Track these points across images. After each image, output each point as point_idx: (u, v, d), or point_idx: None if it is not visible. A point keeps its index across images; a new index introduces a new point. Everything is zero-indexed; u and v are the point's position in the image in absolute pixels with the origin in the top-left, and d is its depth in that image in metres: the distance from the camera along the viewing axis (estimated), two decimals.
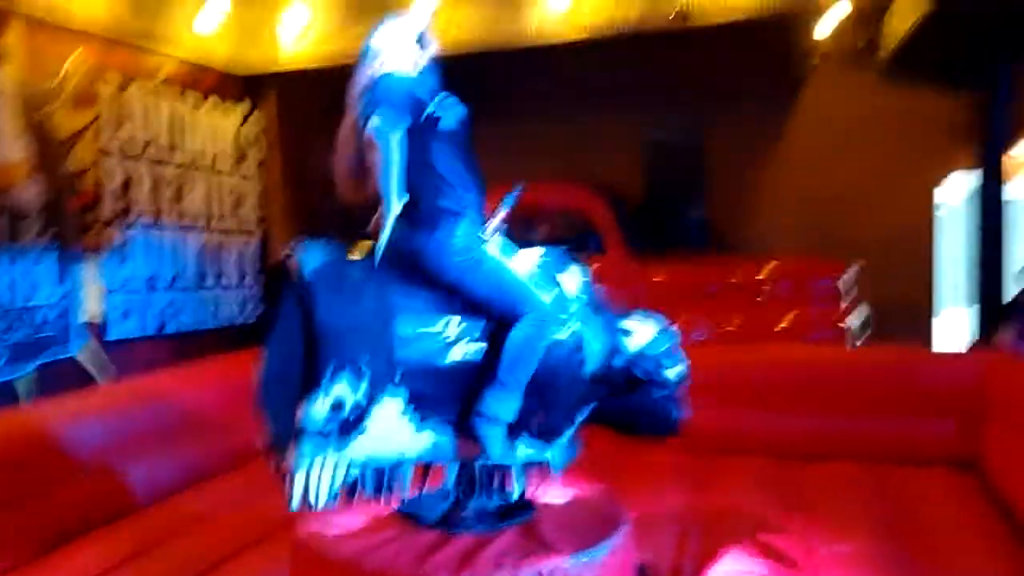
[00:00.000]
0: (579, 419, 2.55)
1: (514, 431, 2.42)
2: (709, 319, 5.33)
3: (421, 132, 2.32)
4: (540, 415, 2.45)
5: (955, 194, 6.91)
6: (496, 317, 2.35)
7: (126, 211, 4.63)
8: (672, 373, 2.59)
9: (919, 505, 3.33)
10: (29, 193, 3.94)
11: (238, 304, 5.64)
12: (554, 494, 2.75)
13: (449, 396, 2.36)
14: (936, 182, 6.85)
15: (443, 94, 2.41)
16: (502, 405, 2.35)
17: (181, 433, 3.95)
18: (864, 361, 4.43)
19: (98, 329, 4.38)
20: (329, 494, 2.25)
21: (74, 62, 4.18)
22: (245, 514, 3.35)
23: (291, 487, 2.22)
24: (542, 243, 6.32)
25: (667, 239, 6.63)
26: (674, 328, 2.65)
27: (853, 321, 5.15)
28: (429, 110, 2.34)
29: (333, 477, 2.25)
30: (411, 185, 2.32)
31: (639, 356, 2.55)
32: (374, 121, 2.26)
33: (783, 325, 5.15)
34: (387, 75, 2.38)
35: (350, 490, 2.34)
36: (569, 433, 2.53)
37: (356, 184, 2.47)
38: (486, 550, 2.34)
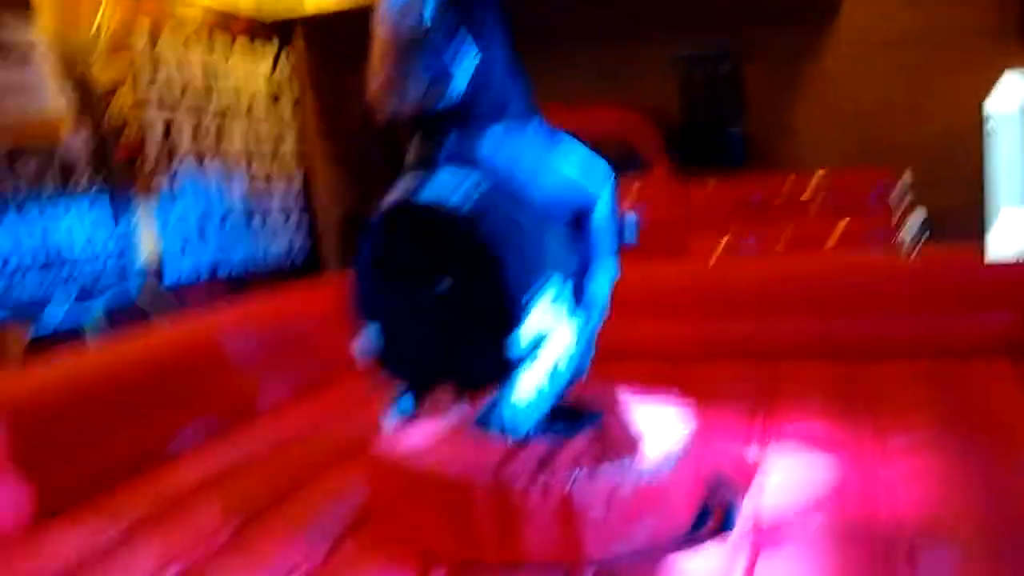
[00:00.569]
0: None
1: None
2: (758, 234, 5.28)
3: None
4: None
5: (1009, 98, 6.69)
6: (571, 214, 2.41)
7: (170, 157, 4.67)
8: None
9: (981, 394, 3.34)
10: (76, 144, 4.00)
11: (285, 245, 5.72)
12: (624, 401, 2.79)
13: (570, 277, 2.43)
14: (987, 87, 6.62)
15: None
16: (605, 267, 2.53)
17: (253, 362, 4.08)
18: (920, 264, 4.39)
19: (155, 272, 4.48)
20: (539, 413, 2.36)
21: (106, 14, 4.18)
22: (323, 436, 3.47)
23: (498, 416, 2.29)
24: None
25: (709, 157, 6.53)
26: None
27: (908, 229, 5.07)
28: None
29: (539, 394, 2.34)
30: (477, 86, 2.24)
31: None
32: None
33: (834, 237, 5.09)
34: None
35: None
36: None
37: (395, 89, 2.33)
38: (560, 455, 2.40)
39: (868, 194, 5.30)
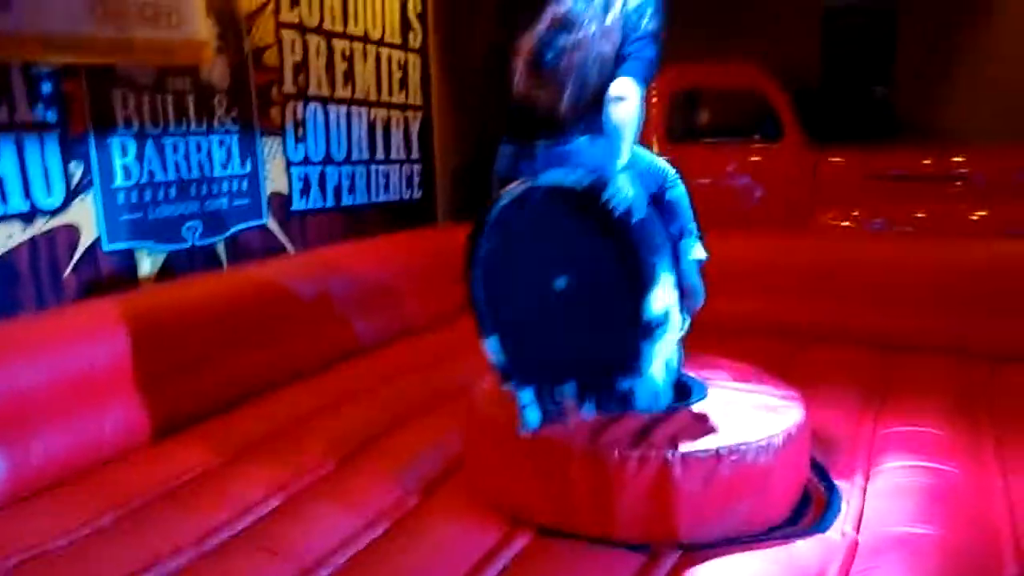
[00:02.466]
0: None
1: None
2: (893, 210, 4.95)
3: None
4: None
5: None
6: (655, 189, 2.46)
7: (304, 87, 4.77)
8: None
9: None
10: (216, 71, 4.12)
11: (406, 179, 5.80)
12: (727, 380, 2.72)
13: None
14: None
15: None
16: (692, 245, 2.54)
17: (357, 301, 4.20)
18: None
19: (283, 200, 4.63)
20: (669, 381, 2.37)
21: None
22: (426, 377, 3.56)
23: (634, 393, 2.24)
24: (710, 128, 6.06)
25: (850, 125, 6.14)
26: None
27: None
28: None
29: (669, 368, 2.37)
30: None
31: None
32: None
33: (978, 217, 4.72)
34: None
35: None
36: None
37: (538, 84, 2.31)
38: (660, 428, 2.36)
39: (1018, 175, 4.87)
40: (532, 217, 2.23)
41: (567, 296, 2.22)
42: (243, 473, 2.69)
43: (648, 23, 2.29)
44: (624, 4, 2.28)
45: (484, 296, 2.31)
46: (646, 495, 2.24)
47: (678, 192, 2.53)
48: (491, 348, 2.32)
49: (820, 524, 2.34)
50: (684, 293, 2.46)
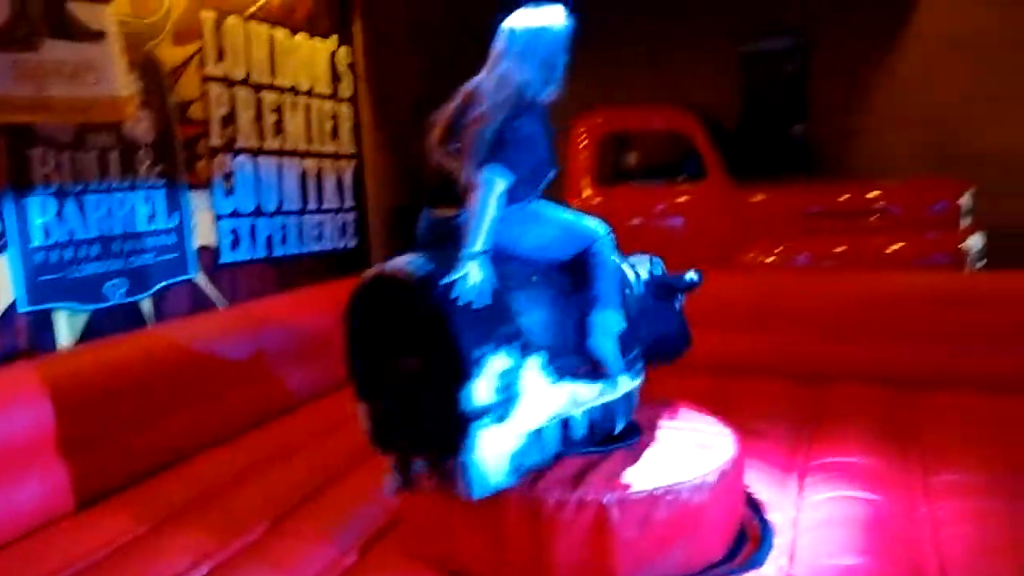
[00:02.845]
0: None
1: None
2: (815, 245, 5.13)
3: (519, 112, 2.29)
4: (631, 347, 2.57)
5: None
6: (573, 253, 2.44)
7: (232, 139, 4.73)
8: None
9: None
10: (140, 126, 4.07)
11: (339, 228, 5.77)
12: (662, 419, 2.75)
13: (563, 342, 2.41)
14: None
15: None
16: (607, 317, 2.45)
17: (293, 354, 4.13)
18: (983, 287, 4.21)
19: (212, 254, 4.55)
20: (506, 471, 2.23)
21: None
22: (356, 433, 3.49)
23: (462, 477, 2.19)
24: (638, 170, 6.21)
25: (769, 162, 6.36)
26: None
27: (972, 245, 4.85)
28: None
29: (510, 451, 2.24)
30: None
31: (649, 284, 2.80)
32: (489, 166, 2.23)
33: (894, 250, 4.91)
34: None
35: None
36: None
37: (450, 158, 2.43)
38: (597, 471, 2.37)
39: (930, 208, 5.09)
40: (380, 302, 2.32)
41: (415, 376, 2.29)
42: (170, 541, 2.60)
43: (538, 95, 2.34)
44: (515, 78, 2.30)
45: (359, 367, 2.41)
46: (583, 540, 2.24)
47: (601, 258, 2.45)
48: (361, 415, 2.44)
49: (755, 560, 2.37)
50: (594, 364, 2.44)
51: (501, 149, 2.24)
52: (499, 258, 2.28)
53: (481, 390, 2.15)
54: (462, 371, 2.13)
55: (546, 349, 2.33)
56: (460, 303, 2.13)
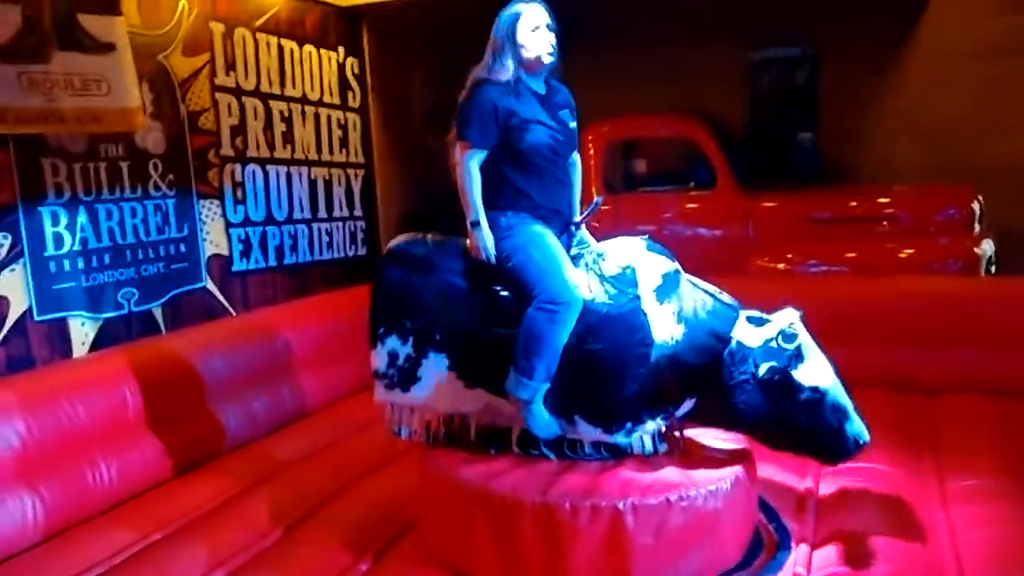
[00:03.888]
0: (667, 413, 2.47)
1: (567, 412, 2.45)
2: (825, 251, 5.11)
3: (499, 148, 2.46)
4: (592, 398, 2.43)
5: None
6: (521, 291, 2.43)
7: (242, 149, 4.76)
8: (803, 378, 2.28)
9: None
10: (151, 136, 4.09)
11: (349, 236, 5.78)
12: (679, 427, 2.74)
13: (488, 366, 2.47)
14: None
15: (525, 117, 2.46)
16: (519, 386, 2.39)
17: (304, 361, 4.13)
18: (995, 292, 4.19)
19: (223, 262, 4.57)
20: (406, 428, 2.66)
21: (183, 9, 4.28)
22: (369, 439, 3.49)
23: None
24: (647, 177, 6.20)
25: (778, 169, 6.35)
26: (795, 329, 2.34)
27: (985, 251, 4.83)
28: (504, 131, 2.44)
29: (407, 414, 2.65)
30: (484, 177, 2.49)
31: (759, 351, 2.29)
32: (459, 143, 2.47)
33: (906, 256, 4.89)
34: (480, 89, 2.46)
35: (427, 428, 2.66)
36: (653, 425, 2.47)
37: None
38: (611, 477, 2.37)
39: (942, 214, 5.08)
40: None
41: None
42: (184, 548, 2.59)
43: (490, 74, 2.47)
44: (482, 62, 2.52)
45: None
46: (599, 547, 2.23)
47: (549, 318, 2.35)
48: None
49: (771, 566, 2.36)
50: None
51: (463, 126, 2.46)
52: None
53: (375, 358, 2.61)
54: (369, 337, 2.61)
55: (449, 354, 2.53)
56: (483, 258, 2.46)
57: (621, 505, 2.21)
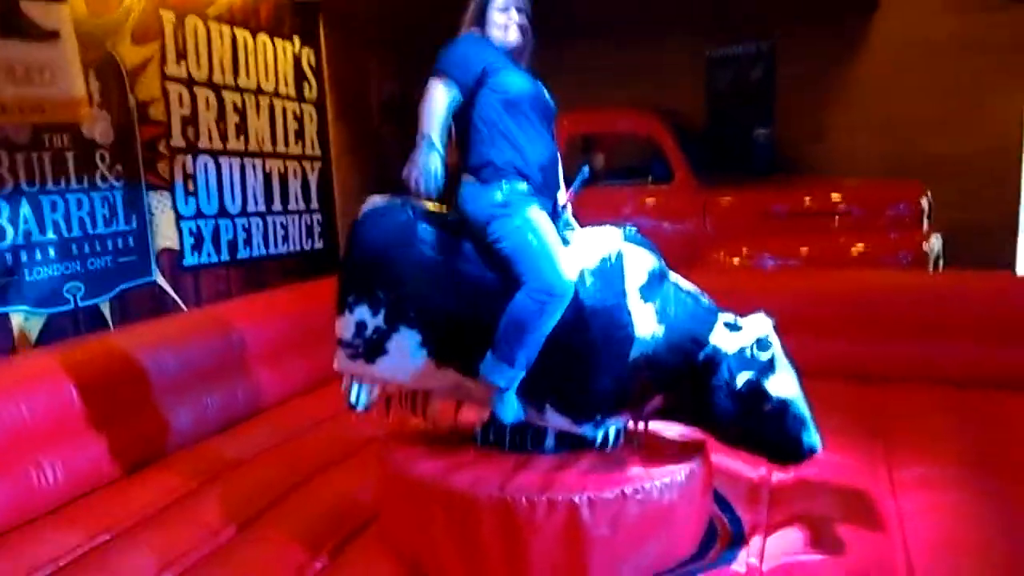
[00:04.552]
0: (636, 408, 2.47)
1: (537, 398, 2.40)
2: (780, 245, 5.19)
3: (477, 92, 2.38)
4: (565, 388, 2.38)
5: None
6: (511, 274, 2.32)
7: (194, 140, 4.66)
8: (772, 387, 2.32)
9: (1004, 430, 3.24)
10: (98, 126, 3.98)
11: (305, 229, 5.70)
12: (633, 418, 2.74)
13: (463, 345, 2.38)
14: None
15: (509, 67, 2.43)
16: (496, 372, 2.34)
17: (258, 357, 4.06)
18: (943, 286, 4.29)
19: (174, 256, 4.47)
20: (365, 400, 2.56)
21: None
22: (326, 435, 3.45)
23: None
24: (605, 172, 6.21)
25: (734, 163, 6.43)
26: (772, 337, 2.37)
27: (933, 246, 4.95)
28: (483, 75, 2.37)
29: (369, 388, 2.56)
30: (468, 139, 2.41)
31: (733, 357, 2.32)
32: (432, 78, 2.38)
33: (858, 250, 4.99)
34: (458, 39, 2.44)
35: (387, 402, 2.62)
36: (616, 419, 2.47)
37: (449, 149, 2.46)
38: (568, 471, 2.37)
39: (892, 209, 5.19)
40: None
41: None
42: (133, 548, 2.53)
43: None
44: None
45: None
46: (557, 540, 2.23)
47: (538, 310, 2.29)
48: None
49: (726, 557, 2.38)
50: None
51: (440, 60, 2.39)
52: (470, 231, 2.41)
53: (341, 325, 2.47)
54: (337, 302, 2.48)
55: (421, 331, 2.41)
56: (417, 184, 2.28)
57: (577, 499, 2.21)
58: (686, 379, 2.35)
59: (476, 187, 2.40)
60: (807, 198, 5.38)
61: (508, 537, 2.24)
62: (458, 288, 2.38)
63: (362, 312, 2.42)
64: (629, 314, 2.35)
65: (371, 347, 2.44)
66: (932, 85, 6.37)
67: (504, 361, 2.31)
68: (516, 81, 2.41)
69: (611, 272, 2.38)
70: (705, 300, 2.49)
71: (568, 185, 2.66)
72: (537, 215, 2.37)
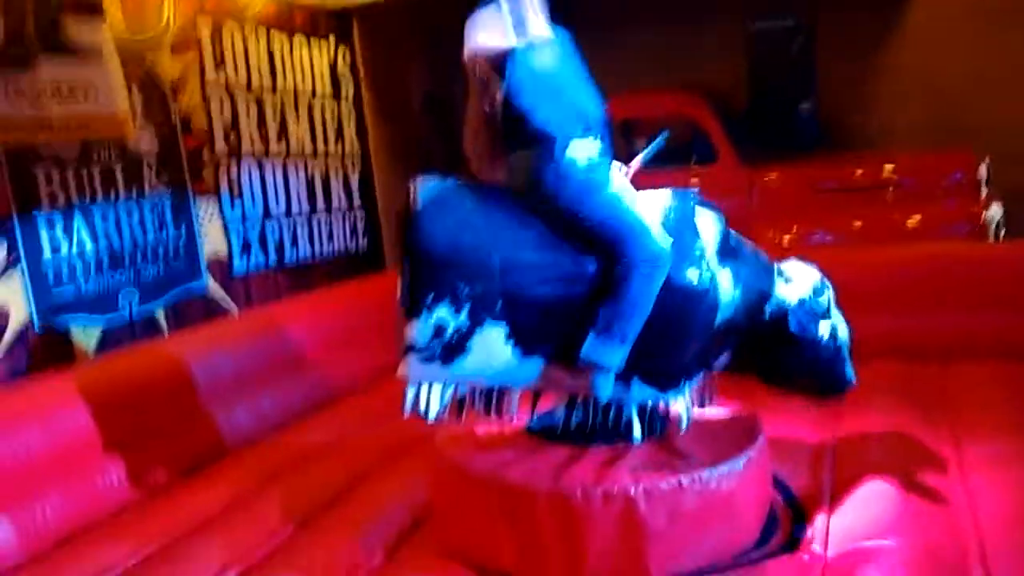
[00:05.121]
0: (709, 367, 2.47)
1: (625, 373, 2.31)
2: (832, 221, 5.06)
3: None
4: (656, 359, 2.33)
5: None
6: (607, 250, 2.22)
7: (236, 145, 4.72)
8: (827, 331, 2.43)
9: None
10: (143, 139, 4.06)
11: (349, 229, 5.75)
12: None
13: (555, 331, 2.28)
14: None
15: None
16: (607, 353, 2.24)
17: (311, 357, 4.10)
18: (1004, 256, 4.14)
19: (223, 261, 4.54)
20: (438, 408, 2.33)
21: (171, 9, 4.23)
22: (381, 432, 3.47)
23: (405, 396, 2.32)
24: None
25: (779, 140, 6.28)
26: (828, 282, 2.48)
27: (991, 215, 4.77)
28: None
29: (441, 393, 2.33)
30: (531, 105, 2.22)
31: (796, 308, 2.39)
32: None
33: (914, 223, 4.84)
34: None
35: (459, 406, 2.41)
36: (693, 381, 2.46)
37: (491, 162, 2.38)
38: (622, 462, 2.33)
39: (947, 179, 5.01)
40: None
41: None
42: (197, 546, 2.58)
43: None
44: None
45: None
46: (614, 532, 2.20)
47: (633, 282, 2.21)
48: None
49: (788, 545, 2.33)
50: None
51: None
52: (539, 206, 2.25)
53: (415, 330, 2.22)
54: (410, 306, 2.23)
55: (508, 323, 2.24)
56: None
57: (633, 491, 2.18)
58: (755, 334, 2.42)
59: (547, 155, 2.23)
60: (857, 172, 5.23)
61: (565, 530, 2.22)
62: (547, 269, 2.25)
63: (442, 311, 2.22)
64: (716, 282, 2.33)
65: (450, 348, 2.24)
66: (980, 48, 6.13)
67: (614, 339, 2.22)
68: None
69: (689, 241, 2.35)
70: (763, 255, 2.54)
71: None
72: (623, 181, 2.31)
